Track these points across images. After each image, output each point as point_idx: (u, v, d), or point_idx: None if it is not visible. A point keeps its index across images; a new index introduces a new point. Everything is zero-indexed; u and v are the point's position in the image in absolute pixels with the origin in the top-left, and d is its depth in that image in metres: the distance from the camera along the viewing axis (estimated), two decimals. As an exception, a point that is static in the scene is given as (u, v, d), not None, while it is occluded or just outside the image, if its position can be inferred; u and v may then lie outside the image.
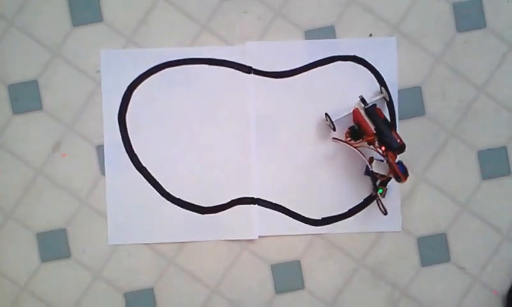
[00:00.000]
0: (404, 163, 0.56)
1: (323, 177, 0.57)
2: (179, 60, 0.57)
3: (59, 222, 0.57)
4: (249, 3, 0.57)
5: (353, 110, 0.55)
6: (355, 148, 0.54)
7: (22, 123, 0.57)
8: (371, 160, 0.53)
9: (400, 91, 0.58)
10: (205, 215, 0.56)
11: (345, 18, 0.58)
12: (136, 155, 0.57)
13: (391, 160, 0.51)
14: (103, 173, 0.57)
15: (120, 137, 0.57)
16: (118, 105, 0.57)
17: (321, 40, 0.58)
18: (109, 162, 0.57)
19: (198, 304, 0.57)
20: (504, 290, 0.58)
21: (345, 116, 0.56)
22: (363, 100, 0.54)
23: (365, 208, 0.58)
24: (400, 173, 0.51)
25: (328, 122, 0.56)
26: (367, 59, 0.57)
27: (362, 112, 0.54)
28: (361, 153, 0.54)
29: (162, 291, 0.57)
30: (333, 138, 0.56)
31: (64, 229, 0.57)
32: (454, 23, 0.58)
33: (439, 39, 0.58)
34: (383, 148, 0.52)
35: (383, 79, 0.57)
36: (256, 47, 0.57)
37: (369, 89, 0.57)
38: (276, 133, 0.57)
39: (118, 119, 0.57)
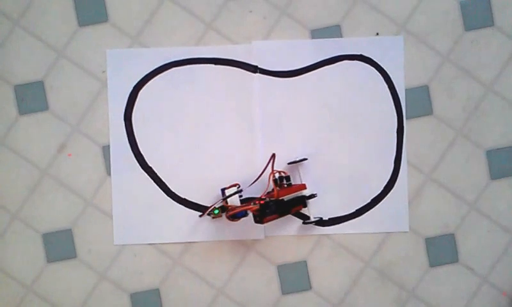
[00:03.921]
0: (412, 163, 0.56)
1: (330, 177, 0.57)
2: (185, 60, 0.57)
3: (64, 222, 0.57)
4: (255, 2, 0.57)
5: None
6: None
7: (28, 123, 0.57)
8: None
9: (407, 90, 0.57)
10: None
11: (352, 17, 0.57)
12: (141, 155, 0.57)
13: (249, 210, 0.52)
14: (109, 173, 0.57)
15: (126, 137, 0.57)
16: (124, 105, 0.57)
17: (327, 39, 0.57)
18: (115, 162, 0.57)
19: (204, 305, 0.57)
20: (514, 291, 0.58)
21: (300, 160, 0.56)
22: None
23: (373, 209, 0.57)
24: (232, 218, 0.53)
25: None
26: (373, 58, 0.57)
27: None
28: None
29: (168, 292, 0.57)
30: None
31: (70, 230, 0.57)
32: (461, 22, 0.57)
33: (446, 38, 0.57)
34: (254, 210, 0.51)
35: (389, 78, 0.57)
36: (262, 46, 0.57)
37: (376, 88, 0.57)
38: (282, 132, 0.57)
39: (124, 119, 0.57)
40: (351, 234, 0.57)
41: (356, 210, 0.57)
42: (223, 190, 0.54)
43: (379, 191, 0.57)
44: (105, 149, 0.57)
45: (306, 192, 0.55)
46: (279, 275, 0.57)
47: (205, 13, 0.57)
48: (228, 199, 0.53)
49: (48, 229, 0.57)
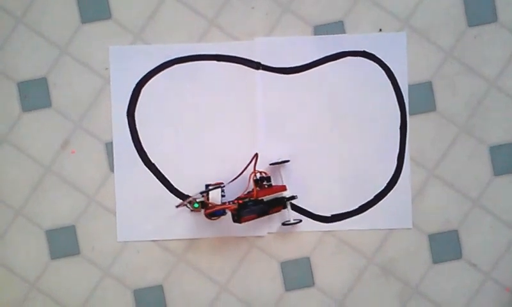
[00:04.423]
0: (415, 159, 0.56)
1: (332, 173, 0.57)
2: (187, 56, 0.57)
3: (68, 219, 0.57)
4: (258, -1, 0.57)
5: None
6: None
7: (31, 120, 0.57)
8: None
9: (410, 86, 0.57)
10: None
11: (355, 13, 0.57)
12: (144, 151, 0.57)
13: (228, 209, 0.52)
14: (112, 170, 0.57)
15: (129, 133, 0.57)
16: (127, 102, 0.57)
17: (330, 36, 0.57)
18: (118, 159, 0.57)
19: (207, 301, 0.57)
20: (517, 287, 0.58)
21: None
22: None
23: (376, 205, 0.57)
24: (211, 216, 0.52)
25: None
26: (376, 55, 0.57)
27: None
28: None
29: (171, 288, 0.57)
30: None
31: (74, 226, 0.57)
32: (464, 18, 0.57)
33: (449, 34, 0.57)
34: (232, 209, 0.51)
35: (392, 74, 0.57)
36: (264, 43, 0.57)
37: (379, 85, 0.57)
38: (284, 129, 0.57)
39: (127, 115, 0.57)
40: (354, 230, 0.57)
41: (359, 207, 0.57)
42: (207, 186, 0.54)
43: (382, 187, 0.57)
44: (109, 146, 0.57)
45: (286, 194, 0.55)
46: (282, 271, 0.57)
47: (207, 9, 0.57)
48: (210, 197, 0.52)
49: (52, 226, 0.57)
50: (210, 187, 0.53)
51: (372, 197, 0.57)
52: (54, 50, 0.57)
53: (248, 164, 0.54)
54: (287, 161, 0.56)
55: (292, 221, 0.55)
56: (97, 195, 0.57)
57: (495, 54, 0.57)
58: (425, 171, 0.57)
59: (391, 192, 0.57)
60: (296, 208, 0.57)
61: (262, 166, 0.55)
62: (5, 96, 0.57)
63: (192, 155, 0.57)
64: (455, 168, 0.57)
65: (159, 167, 0.57)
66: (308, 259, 0.57)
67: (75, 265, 0.57)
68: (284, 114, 0.57)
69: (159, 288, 0.57)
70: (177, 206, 0.54)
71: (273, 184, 0.55)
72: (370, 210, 0.57)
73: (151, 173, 0.57)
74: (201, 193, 0.53)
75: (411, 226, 0.57)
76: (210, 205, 0.52)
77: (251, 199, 0.52)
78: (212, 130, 0.57)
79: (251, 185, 0.53)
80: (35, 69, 0.57)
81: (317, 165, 0.57)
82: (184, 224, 0.57)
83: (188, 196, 0.56)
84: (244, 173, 0.54)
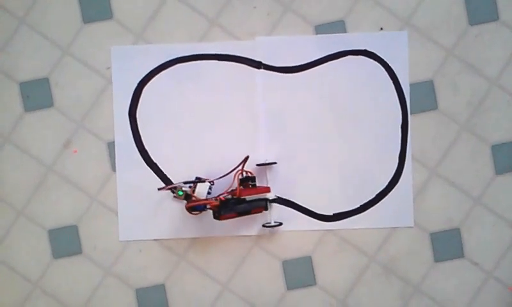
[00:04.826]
0: (417, 158, 0.56)
1: (334, 172, 0.57)
2: (189, 56, 0.57)
3: (70, 218, 0.57)
4: (259, -2, 0.57)
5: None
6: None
7: (34, 120, 0.57)
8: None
9: (412, 85, 0.57)
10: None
11: (356, 12, 0.57)
12: (146, 151, 0.57)
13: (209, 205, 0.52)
14: (114, 170, 0.57)
15: (131, 133, 0.57)
16: (129, 102, 0.57)
17: (331, 35, 0.57)
18: (120, 159, 0.57)
19: (209, 300, 0.57)
20: (519, 285, 0.58)
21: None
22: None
23: (377, 204, 0.57)
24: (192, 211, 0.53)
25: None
26: (378, 54, 0.57)
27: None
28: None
29: (173, 288, 0.57)
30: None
31: (76, 226, 0.57)
32: (466, 16, 0.57)
33: (451, 33, 0.57)
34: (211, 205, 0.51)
35: (394, 73, 0.57)
36: (266, 42, 0.57)
37: (380, 84, 0.57)
38: (286, 128, 0.57)
39: (129, 115, 0.57)
40: (355, 229, 0.57)
41: (361, 206, 0.57)
42: (197, 178, 0.55)
43: (384, 186, 0.57)
44: (110, 146, 0.57)
45: (269, 196, 0.55)
46: (284, 270, 0.57)
47: (208, 9, 0.57)
48: (196, 191, 0.53)
49: (54, 226, 0.57)
50: (199, 181, 0.53)
51: (373, 196, 0.57)
52: (56, 51, 0.57)
53: (237, 166, 0.54)
54: (274, 163, 0.56)
55: (272, 223, 0.55)
56: (99, 195, 0.57)
57: (497, 52, 0.57)
58: (426, 170, 0.57)
59: (392, 190, 0.57)
60: (297, 207, 0.57)
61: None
62: (7, 97, 0.57)
63: (194, 154, 0.57)
64: (456, 167, 0.57)
65: (160, 167, 0.57)
66: (309, 258, 0.57)
67: (78, 265, 0.57)
68: (285, 114, 0.57)
69: (161, 287, 0.57)
70: (159, 189, 0.54)
71: (258, 185, 0.55)
72: (371, 208, 0.57)
73: (153, 172, 0.57)
74: (187, 183, 0.53)
75: (412, 225, 0.57)
76: (193, 198, 0.52)
77: (234, 197, 0.52)
78: (214, 129, 0.57)
79: (236, 184, 0.53)
80: (37, 69, 0.57)
81: (318, 164, 0.57)
82: (186, 223, 0.57)
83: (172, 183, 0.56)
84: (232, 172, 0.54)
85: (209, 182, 0.54)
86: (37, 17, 0.57)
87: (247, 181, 0.54)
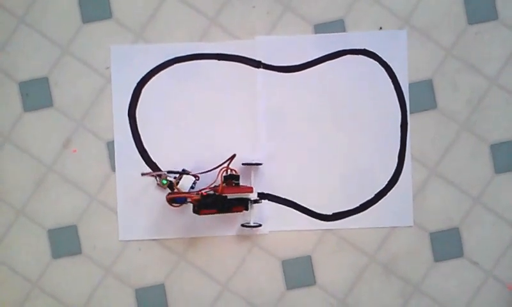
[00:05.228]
0: (416, 157, 0.57)
1: (333, 172, 0.57)
2: (188, 55, 0.57)
3: (69, 218, 0.57)
4: (258, -2, 0.57)
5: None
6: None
7: (33, 119, 0.57)
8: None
9: (411, 85, 0.57)
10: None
11: (355, 11, 0.57)
12: (146, 150, 0.57)
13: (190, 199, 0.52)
14: (113, 169, 0.57)
15: (130, 133, 0.57)
16: (128, 101, 0.57)
17: (331, 34, 0.57)
18: (119, 158, 0.57)
19: (209, 300, 0.57)
20: (519, 285, 0.58)
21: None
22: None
23: (377, 203, 0.57)
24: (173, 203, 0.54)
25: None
26: (377, 53, 0.57)
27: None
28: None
29: (172, 287, 0.57)
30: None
31: (75, 226, 0.57)
32: (465, 15, 0.57)
33: (450, 32, 0.57)
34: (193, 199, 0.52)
35: (393, 72, 0.57)
36: (265, 42, 0.57)
37: (379, 83, 0.57)
38: (285, 127, 0.57)
39: (128, 115, 0.57)
40: (355, 229, 0.57)
41: (360, 205, 0.57)
42: (183, 170, 0.55)
43: (383, 186, 0.57)
44: (110, 145, 0.57)
45: (252, 196, 0.55)
46: (283, 270, 0.57)
47: (208, 8, 0.57)
48: (179, 185, 0.53)
49: (54, 225, 0.57)
50: (184, 173, 0.54)
51: (373, 195, 0.57)
52: (55, 50, 0.57)
53: (224, 162, 0.54)
54: (260, 164, 0.56)
55: (251, 224, 0.55)
56: (99, 194, 0.57)
57: (496, 51, 0.57)
58: (426, 169, 0.57)
59: (392, 190, 0.57)
60: (296, 207, 0.57)
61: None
62: (7, 96, 0.57)
63: (193, 153, 0.57)
64: (456, 166, 0.57)
65: (160, 166, 0.57)
66: (309, 257, 0.57)
67: (77, 264, 0.57)
68: (285, 113, 0.57)
69: (161, 287, 0.57)
70: (143, 174, 0.55)
71: (241, 184, 0.55)
72: (371, 208, 0.57)
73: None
74: (171, 172, 0.54)
75: (412, 224, 0.57)
76: (175, 190, 0.53)
77: (216, 193, 0.52)
78: (213, 128, 0.57)
79: (219, 180, 0.53)
80: (37, 68, 0.57)
81: (317, 164, 0.57)
82: (185, 223, 0.57)
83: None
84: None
85: (194, 176, 0.54)
86: (36, 16, 0.57)
87: (231, 179, 0.54)
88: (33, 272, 0.57)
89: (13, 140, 0.57)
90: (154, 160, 0.57)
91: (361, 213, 0.57)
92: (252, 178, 0.56)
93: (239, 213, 0.54)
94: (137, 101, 0.57)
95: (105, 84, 0.57)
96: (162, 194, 0.56)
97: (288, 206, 0.57)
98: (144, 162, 0.57)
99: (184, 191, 0.53)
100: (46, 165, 0.57)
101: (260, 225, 0.56)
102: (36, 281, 0.57)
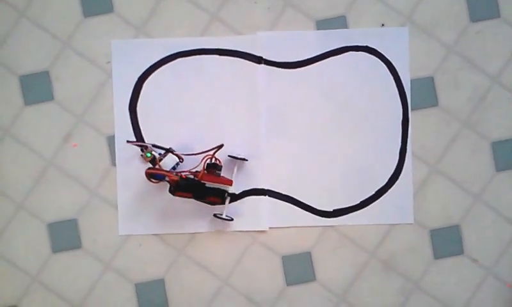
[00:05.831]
0: (417, 154, 0.57)
1: (334, 168, 0.57)
2: (190, 50, 0.57)
3: (70, 212, 0.57)
4: (260, -7, 0.57)
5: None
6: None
7: (34, 113, 0.57)
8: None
9: (412, 81, 0.57)
10: (216, 206, 0.56)
11: (357, 7, 0.57)
12: (146, 145, 0.57)
13: (168, 178, 0.52)
14: (114, 164, 0.57)
15: (131, 127, 0.57)
16: (129, 96, 0.57)
17: (333, 30, 0.57)
18: (120, 153, 0.57)
19: (209, 295, 0.57)
20: (518, 283, 0.58)
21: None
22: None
23: (377, 200, 0.57)
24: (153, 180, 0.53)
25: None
26: (379, 50, 0.57)
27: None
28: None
29: (172, 282, 0.57)
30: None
31: (75, 220, 0.57)
32: (467, 13, 0.57)
33: (452, 29, 0.57)
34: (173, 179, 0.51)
35: (395, 69, 0.57)
36: (267, 37, 0.57)
37: (381, 80, 0.57)
38: (286, 123, 0.57)
39: (129, 109, 0.57)
40: (355, 225, 0.57)
41: (361, 202, 0.57)
42: (170, 149, 0.55)
43: (384, 183, 0.57)
44: (110, 140, 0.57)
45: (230, 189, 0.54)
46: (283, 266, 0.57)
47: (209, 3, 0.57)
48: (162, 162, 0.54)
49: (54, 220, 0.57)
50: (169, 151, 0.54)
51: (373, 192, 0.57)
52: (56, 44, 0.57)
53: (210, 150, 0.54)
54: (245, 159, 0.56)
55: (224, 216, 0.54)
56: (99, 189, 0.57)
57: (498, 49, 0.57)
58: (427, 166, 0.57)
59: (393, 187, 0.57)
60: (297, 203, 0.57)
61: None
62: (7, 90, 0.57)
63: (194, 148, 0.57)
64: (457, 163, 0.57)
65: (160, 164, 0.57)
66: (309, 253, 0.57)
67: (77, 259, 0.57)
68: (286, 109, 0.57)
69: (161, 282, 0.57)
70: (128, 142, 0.55)
71: (222, 175, 0.55)
72: (371, 205, 0.57)
73: (153, 167, 0.57)
74: (156, 147, 0.54)
75: (412, 222, 0.57)
76: (156, 166, 0.53)
77: (195, 178, 0.52)
78: (214, 123, 0.57)
79: (201, 166, 0.53)
80: (37, 62, 0.57)
81: (318, 160, 0.57)
82: (186, 218, 0.57)
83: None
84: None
85: (178, 157, 0.54)
86: (37, 10, 0.57)
87: (213, 168, 0.54)
88: (33, 266, 0.57)
89: (14, 134, 0.57)
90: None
91: (362, 210, 0.57)
92: (235, 172, 0.56)
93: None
94: (138, 96, 0.57)
95: (106, 79, 0.57)
96: (163, 189, 0.56)
97: (288, 202, 0.57)
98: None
99: (165, 169, 0.53)
100: (46, 160, 0.57)
101: (231, 219, 0.55)
102: (36, 275, 0.57)
